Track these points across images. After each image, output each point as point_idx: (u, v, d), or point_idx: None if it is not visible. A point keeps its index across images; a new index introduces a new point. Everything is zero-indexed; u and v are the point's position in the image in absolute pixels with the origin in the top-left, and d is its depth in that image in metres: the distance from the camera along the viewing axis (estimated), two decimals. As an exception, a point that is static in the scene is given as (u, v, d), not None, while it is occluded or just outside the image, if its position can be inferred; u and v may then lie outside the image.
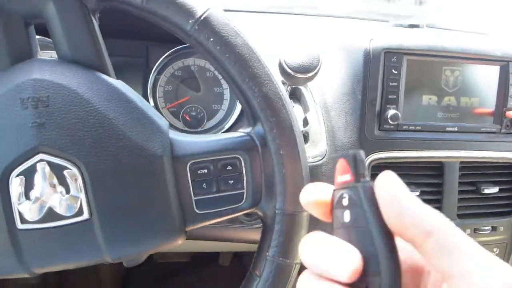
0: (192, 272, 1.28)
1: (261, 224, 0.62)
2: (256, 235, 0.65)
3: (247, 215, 0.60)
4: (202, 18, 0.36)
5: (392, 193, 0.23)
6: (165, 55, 0.65)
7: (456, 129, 0.61)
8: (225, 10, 0.38)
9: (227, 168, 0.38)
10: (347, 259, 0.23)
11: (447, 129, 0.61)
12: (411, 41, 0.58)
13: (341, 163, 0.25)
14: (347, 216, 0.24)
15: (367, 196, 0.24)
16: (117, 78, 0.38)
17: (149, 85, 0.65)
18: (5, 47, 0.35)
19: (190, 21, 0.35)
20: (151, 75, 0.65)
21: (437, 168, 0.61)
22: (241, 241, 0.64)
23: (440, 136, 0.60)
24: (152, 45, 0.69)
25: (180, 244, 0.90)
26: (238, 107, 0.67)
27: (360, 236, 0.24)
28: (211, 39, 0.35)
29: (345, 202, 0.25)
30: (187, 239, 0.63)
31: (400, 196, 0.23)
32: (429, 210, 0.22)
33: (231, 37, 0.36)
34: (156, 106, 0.67)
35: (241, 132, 0.40)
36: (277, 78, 0.38)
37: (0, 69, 0.35)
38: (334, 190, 0.26)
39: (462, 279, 0.21)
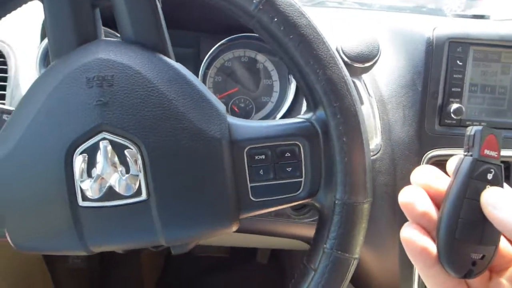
0: (230, 268, 1.28)
1: (309, 220, 0.60)
2: (303, 231, 0.63)
3: (296, 209, 0.59)
4: None
5: None
6: (218, 44, 0.64)
7: (526, 126, 0.56)
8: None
9: (286, 155, 0.37)
10: None
11: (516, 126, 0.56)
12: (479, 30, 0.54)
13: (492, 138, 0.28)
14: None
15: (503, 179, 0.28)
16: None
17: (199, 76, 0.65)
18: (73, 29, 0.36)
19: (255, 1, 0.34)
20: (202, 65, 0.65)
21: (504, 169, 0.56)
22: (288, 236, 0.63)
23: (508, 134, 0.55)
24: (204, 37, 0.70)
25: (219, 237, 0.90)
26: (288, 100, 0.65)
27: None
28: (275, 19, 0.34)
29: (490, 176, 0.27)
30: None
31: None
32: None
33: (296, 17, 0.34)
34: (206, 97, 0.67)
35: (301, 118, 0.38)
36: (342, 62, 0.36)
37: (68, 49, 0.36)
38: (476, 160, 0.28)
39: None
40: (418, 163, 0.54)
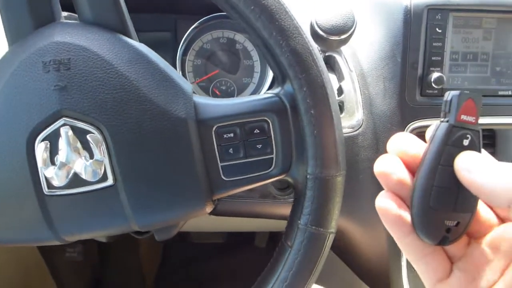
0: (228, 253, 1.29)
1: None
2: (289, 211, 0.62)
3: (280, 189, 0.58)
4: None
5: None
6: (193, 26, 0.63)
7: (510, 92, 0.55)
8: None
9: (255, 132, 0.36)
10: None
11: (500, 93, 0.55)
12: (458, -5, 0.52)
13: (469, 103, 0.27)
14: None
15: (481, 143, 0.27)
16: None
17: (177, 60, 0.64)
18: (28, 12, 0.35)
19: None
20: (179, 49, 0.63)
21: (488, 137, 0.55)
22: (274, 217, 0.62)
23: (492, 101, 0.54)
24: (181, 19, 0.68)
25: (215, 223, 0.89)
26: (268, 80, 0.64)
27: None
28: None
29: (466, 142, 0.27)
30: (218, 215, 0.62)
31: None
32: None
33: None
34: (186, 81, 0.66)
35: (269, 93, 0.37)
36: (307, 31, 0.35)
37: (24, 34, 0.35)
38: (451, 126, 0.27)
39: None
40: (400, 135, 0.53)
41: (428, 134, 0.29)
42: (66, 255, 1.00)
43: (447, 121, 0.27)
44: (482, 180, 0.25)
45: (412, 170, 0.29)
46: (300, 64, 0.34)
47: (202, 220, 0.79)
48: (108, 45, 0.34)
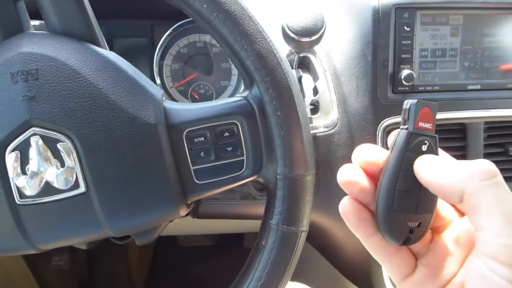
0: (218, 255, 1.29)
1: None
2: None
3: (259, 190, 0.59)
4: None
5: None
6: (168, 32, 0.63)
7: (478, 87, 0.56)
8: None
9: (225, 135, 0.37)
10: None
11: (469, 87, 0.56)
12: (425, -6, 0.54)
13: (426, 111, 0.29)
14: None
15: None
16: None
17: (154, 65, 0.64)
18: None
19: None
20: (156, 54, 0.64)
21: (460, 131, 0.57)
22: (255, 217, 0.63)
23: (462, 95, 0.56)
24: (157, 24, 0.68)
25: (201, 226, 0.89)
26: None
27: None
28: None
29: (424, 148, 0.28)
30: (201, 218, 0.63)
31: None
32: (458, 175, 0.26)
33: None
34: (164, 86, 0.66)
35: (237, 97, 0.38)
36: (272, 35, 0.36)
37: None
38: (410, 133, 0.28)
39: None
40: (374, 132, 0.54)
41: (390, 141, 0.31)
42: (53, 263, 1.00)
43: (407, 128, 0.29)
44: (437, 179, 0.27)
45: (375, 177, 0.31)
46: (265, 68, 0.34)
47: (189, 224, 0.79)
48: (76, 54, 0.35)
